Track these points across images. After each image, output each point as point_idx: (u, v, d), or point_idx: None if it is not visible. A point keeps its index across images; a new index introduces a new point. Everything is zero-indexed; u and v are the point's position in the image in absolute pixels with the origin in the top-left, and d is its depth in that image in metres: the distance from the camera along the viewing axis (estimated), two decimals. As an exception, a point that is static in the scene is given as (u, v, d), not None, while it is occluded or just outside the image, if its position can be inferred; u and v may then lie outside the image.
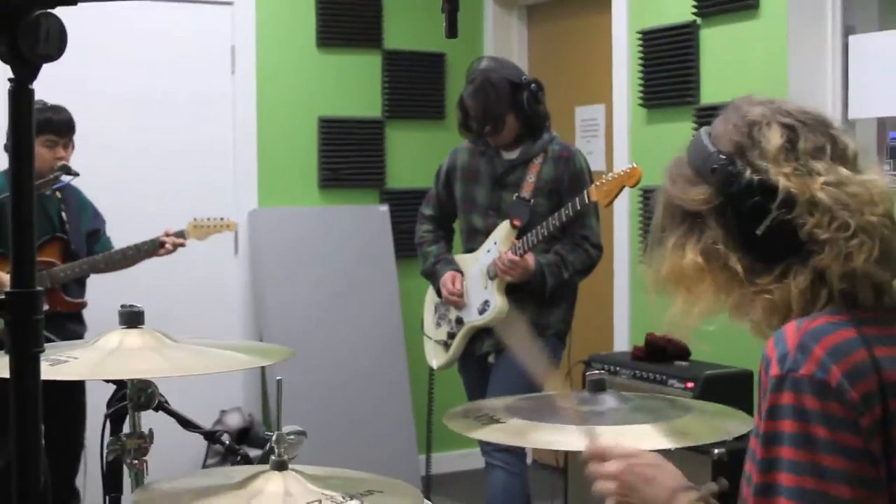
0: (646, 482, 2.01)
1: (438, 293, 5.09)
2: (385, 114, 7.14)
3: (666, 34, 5.83)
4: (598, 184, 4.63)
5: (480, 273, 4.93)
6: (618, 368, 5.16)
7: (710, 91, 5.57)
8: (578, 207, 4.64)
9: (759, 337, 1.89)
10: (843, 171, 1.80)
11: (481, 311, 4.91)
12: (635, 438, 2.79)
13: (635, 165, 4.63)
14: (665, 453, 3.24)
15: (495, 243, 4.89)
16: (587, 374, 2.99)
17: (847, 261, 1.74)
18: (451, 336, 5.05)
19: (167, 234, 5.40)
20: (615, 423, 2.85)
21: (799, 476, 1.64)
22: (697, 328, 1.94)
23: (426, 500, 2.72)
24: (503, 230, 4.87)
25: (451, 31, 1.93)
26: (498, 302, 4.86)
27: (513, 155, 4.92)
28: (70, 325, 5.27)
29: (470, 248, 5.07)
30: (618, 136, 6.23)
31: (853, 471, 1.63)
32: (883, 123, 4.99)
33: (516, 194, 4.86)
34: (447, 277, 4.99)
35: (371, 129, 7.12)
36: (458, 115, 4.98)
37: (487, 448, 4.89)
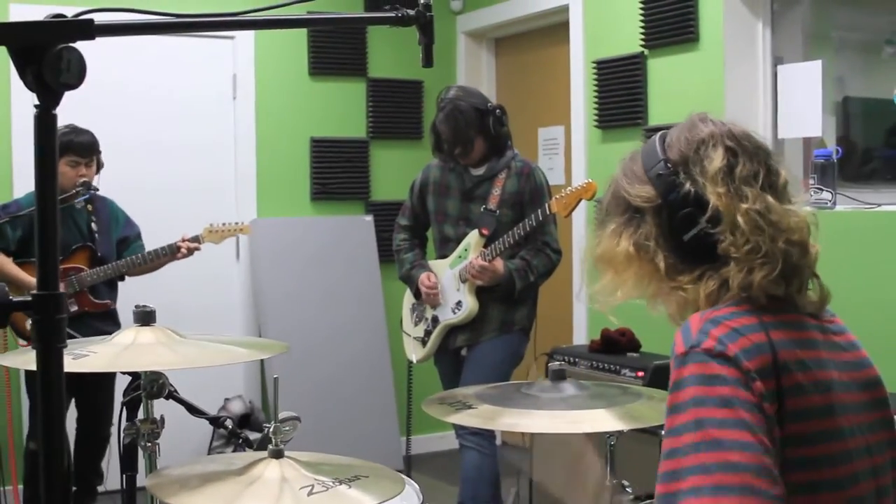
0: None
1: (416, 295, 5.10)
2: (370, 134, 7.14)
3: (617, 63, 5.84)
4: (557, 197, 4.63)
5: (453, 276, 4.95)
6: (577, 360, 5.16)
7: (657, 114, 5.58)
8: (541, 218, 4.66)
9: (672, 324, 1.90)
10: (770, 199, 1.81)
11: (455, 311, 4.93)
12: (593, 422, 2.81)
13: (591, 181, 4.64)
14: (618, 435, 3.27)
15: (466, 250, 4.91)
16: (549, 364, 3.01)
17: (748, 275, 1.77)
18: (428, 333, 5.06)
19: (183, 240, 5.40)
20: (575, 409, 2.86)
21: (704, 430, 1.62)
22: (616, 308, 1.96)
23: (407, 479, 2.72)
24: (473, 238, 4.89)
25: (428, 62, 1.93)
26: (469, 302, 4.89)
27: (480, 171, 4.95)
28: (97, 324, 5.24)
29: (443, 255, 5.07)
30: (576, 154, 6.24)
31: (752, 420, 1.62)
32: (808, 143, 5.01)
33: (484, 206, 4.89)
34: (423, 277, 5.01)
35: (357, 148, 7.12)
36: (431, 139, 5.01)
37: (461, 432, 4.90)
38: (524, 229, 4.70)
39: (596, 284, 1.99)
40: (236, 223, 5.61)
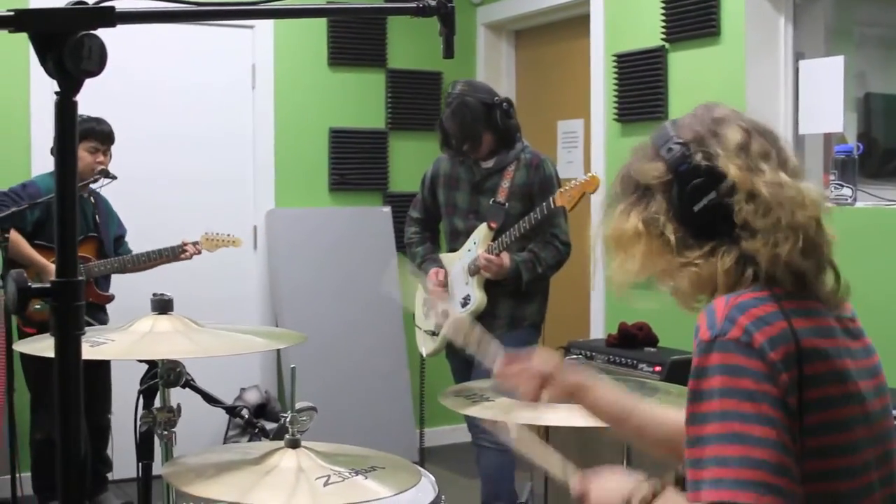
0: (582, 400, 2.19)
1: (424, 288, 5.09)
2: (388, 125, 7.13)
3: (638, 57, 5.82)
4: (562, 190, 4.61)
5: (462, 270, 4.94)
6: (593, 354, 5.15)
7: (677, 108, 5.56)
8: (545, 212, 4.64)
9: (682, 305, 1.92)
10: (784, 175, 1.83)
11: (464, 305, 4.91)
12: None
13: (594, 174, 4.62)
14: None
15: (475, 243, 4.90)
16: (566, 358, 3.00)
17: (774, 248, 1.78)
18: (439, 326, 5.02)
19: (184, 243, 5.48)
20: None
21: (727, 423, 1.64)
22: (628, 287, 1.97)
23: (423, 471, 2.72)
24: (481, 232, 4.88)
25: (448, 53, 1.93)
26: (477, 296, 4.87)
27: (489, 164, 4.92)
28: (99, 315, 5.33)
29: (453, 248, 5.06)
30: (595, 147, 6.23)
31: (774, 416, 1.64)
32: (829, 138, 4.99)
33: (492, 199, 4.88)
34: (432, 272, 5.00)
35: (376, 139, 7.11)
36: (439, 136, 4.98)
37: (476, 432, 4.88)
38: (530, 222, 4.69)
39: (611, 266, 1.99)
40: (229, 235, 5.70)
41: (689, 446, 1.69)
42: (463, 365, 4.98)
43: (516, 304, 4.92)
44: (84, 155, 5.22)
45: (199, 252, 5.58)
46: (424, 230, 5.24)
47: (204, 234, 5.60)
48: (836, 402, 1.73)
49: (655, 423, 2.19)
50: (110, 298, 5.49)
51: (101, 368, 5.46)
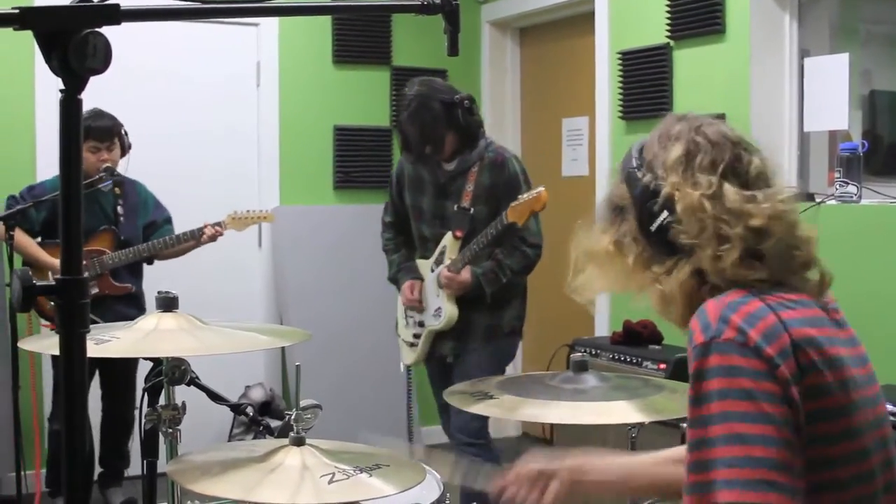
0: (585, 482, 2.20)
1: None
2: (393, 123, 7.12)
3: (642, 54, 5.82)
4: (514, 205, 4.40)
5: (433, 281, 4.78)
6: (598, 351, 5.16)
7: (682, 105, 5.55)
8: (500, 227, 4.46)
9: (660, 315, 1.97)
10: (727, 185, 1.85)
11: (436, 317, 4.77)
12: (615, 414, 2.81)
13: (542, 189, 4.38)
14: (640, 427, 3.26)
15: (442, 253, 4.74)
16: (571, 356, 3.01)
17: (717, 262, 1.82)
18: (417, 337, 4.90)
19: (206, 225, 5.41)
20: (597, 400, 2.86)
21: (729, 423, 1.66)
22: (594, 297, 2.07)
23: (428, 469, 2.72)
24: (448, 241, 4.70)
25: (453, 50, 1.93)
26: (448, 309, 4.70)
27: (451, 166, 4.71)
28: (121, 308, 5.30)
29: (423, 255, 4.90)
30: (600, 145, 6.22)
31: (774, 413, 1.66)
32: (834, 136, 4.99)
33: (456, 204, 4.68)
34: (406, 287, 4.86)
35: (380, 136, 7.12)
36: (399, 139, 4.74)
37: (457, 443, 4.77)
38: (486, 238, 4.53)
39: (581, 276, 2.06)
40: (260, 211, 5.61)
41: (693, 449, 1.70)
42: (439, 377, 4.91)
43: (492, 313, 4.74)
44: (87, 156, 5.17)
45: (222, 233, 5.45)
46: (398, 234, 5.02)
47: (231, 214, 5.51)
48: (833, 389, 1.74)
49: (655, 474, 2.27)
50: (128, 289, 5.44)
51: (129, 362, 5.44)
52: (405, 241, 5.02)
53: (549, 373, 3.15)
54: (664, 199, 1.86)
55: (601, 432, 4.43)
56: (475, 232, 4.62)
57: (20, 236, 5.08)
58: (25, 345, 3.19)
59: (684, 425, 1.74)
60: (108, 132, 5.30)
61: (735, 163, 1.88)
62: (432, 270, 4.80)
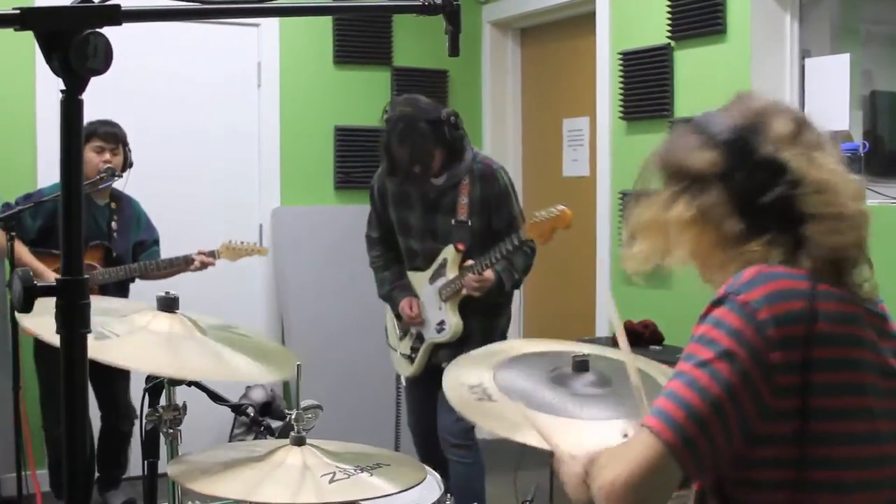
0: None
1: (397, 315, 4.95)
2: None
3: (643, 55, 5.82)
4: (532, 222, 4.38)
5: (434, 295, 4.76)
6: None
7: (683, 106, 5.56)
8: (516, 243, 4.45)
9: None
10: (839, 166, 1.85)
11: (439, 330, 4.77)
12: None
13: (565, 208, 4.35)
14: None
15: (443, 266, 4.73)
16: (572, 356, 3.00)
17: (839, 236, 1.79)
18: (415, 350, 4.91)
19: (199, 253, 5.43)
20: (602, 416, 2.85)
21: (691, 365, 1.71)
22: (647, 271, 1.99)
23: (429, 469, 2.72)
24: (450, 254, 4.69)
25: (454, 51, 1.93)
26: (453, 322, 4.71)
27: (440, 180, 4.67)
28: None
29: (413, 267, 4.89)
30: (600, 145, 6.22)
31: (732, 383, 1.68)
32: (835, 136, 4.96)
33: (454, 218, 4.67)
34: (404, 304, 4.84)
35: (381, 138, 7.10)
36: (385, 161, 4.67)
37: (445, 446, 4.81)
38: (502, 251, 4.50)
39: (635, 247, 1.99)
40: (255, 244, 5.66)
41: (670, 378, 1.76)
42: (432, 377, 4.71)
43: (488, 320, 4.78)
44: (90, 156, 5.24)
45: (213, 263, 5.49)
46: (387, 250, 5.00)
47: (224, 243, 5.53)
48: (849, 389, 1.73)
49: None
50: None
51: (122, 374, 5.47)
52: (395, 258, 4.99)
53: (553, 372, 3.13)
54: (786, 172, 1.79)
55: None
56: (474, 244, 4.66)
57: (15, 245, 5.07)
58: (25, 321, 3.06)
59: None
60: (114, 136, 5.35)
61: (830, 144, 1.88)
62: (430, 283, 4.80)
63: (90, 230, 5.37)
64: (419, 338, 4.90)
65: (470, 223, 4.67)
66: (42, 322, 2.27)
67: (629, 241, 2.00)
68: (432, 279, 4.80)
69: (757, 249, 1.82)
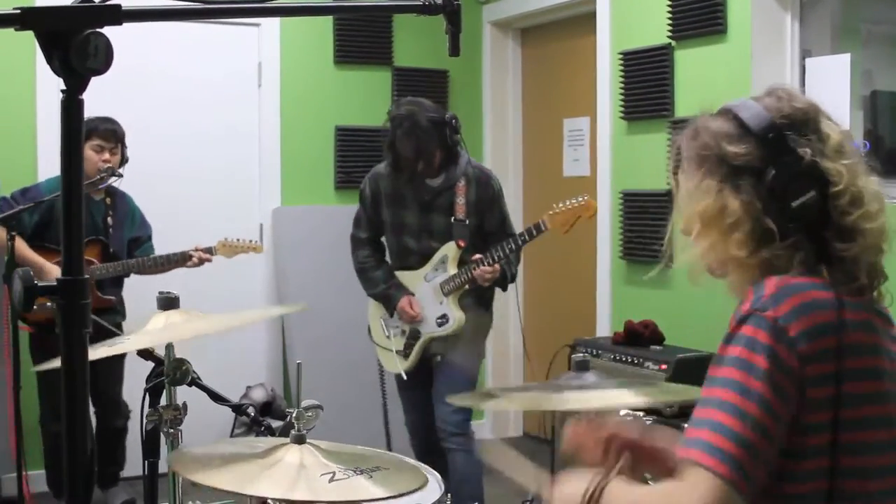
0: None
1: (390, 313, 5.10)
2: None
3: (644, 55, 5.82)
4: (553, 213, 4.69)
5: (433, 290, 4.94)
6: (600, 351, 5.16)
7: (683, 106, 5.56)
8: (535, 234, 4.72)
9: (736, 294, 1.87)
10: (871, 179, 1.82)
11: (441, 324, 4.94)
12: (624, 399, 2.80)
13: (589, 198, 4.70)
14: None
15: (443, 262, 4.92)
16: (573, 356, 3.00)
17: (876, 253, 1.78)
18: (409, 346, 5.05)
19: (196, 249, 5.44)
20: (603, 389, 2.86)
21: (731, 392, 1.66)
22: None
23: (430, 471, 2.72)
24: (451, 251, 4.89)
25: (454, 51, 1.93)
26: (457, 315, 4.90)
27: (437, 182, 4.89)
28: (105, 318, 5.32)
29: (404, 266, 5.06)
30: (601, 145, 6.22)
31: (772, 402, 1.65)
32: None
33: (453, 217, 4.88)
34: (404, 303, 4.97)
35: (382, 137, 7.08)
36: (389, 157, 4.88)
37: (443, 436, 4.96)
38: (518, 242, 4.77)
39: (697, 249, 1.90)
40: (250, 241, 5.66)
41: (699, 405, 1.71)
42: (425, 369, 5.08)
43: (478, 315, 5.00)
44: (90, 155, 5.25)
45: (210, 259, 5.53)
46: (375, 251, 5.17)
47: (220, 241, 5.56)
48: (873, 398, 1.73)
49: None
50: (111, 302, 5.50)
51: (115, 370, 5.49)
52: (383, 258, 5.17)
53: (550, 381, 3.15)
54: (828, 181, 1.76)
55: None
56: (471, 242, 4.87)
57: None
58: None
59: (686, 425, 1.73)
60: (114, 134, 5.36)
61: (863, 156, 1.85)
62: (426, 280, 4.97)
63: (87, 225, 5.38)
64: (413, 334, 5.03)
65: (468, 222, 4.87)
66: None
67: (685, 237, 1.92)
68: (429, 276, 4.96)
69: (780, 253, 1.79)
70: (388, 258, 5.18)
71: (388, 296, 5.04)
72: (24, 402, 5.06)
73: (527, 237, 4.74)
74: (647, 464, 2.09)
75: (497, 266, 4.75)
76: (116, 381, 5.58)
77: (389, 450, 5.79)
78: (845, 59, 4.72)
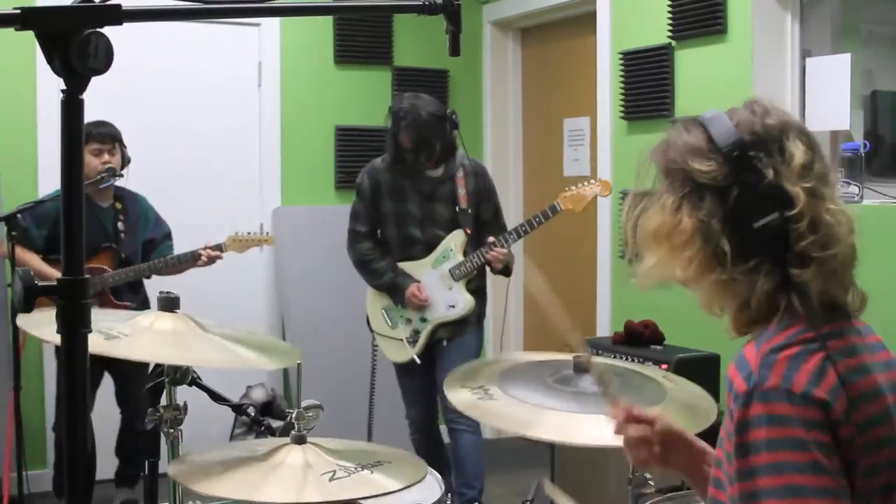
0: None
1: (396, 301, 5.22)
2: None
3: (644, 55, 5.82)
4: (568, 194, 4.92)
5: (441, 277, 5.12)
6: (600, 352, 5.15)
7: (684, 105, 5.56)
8: (550, 215, 4.95)
9: (703, 308, 1.83)
10: (838, 200, 1.76)
11: (450, 309, 5.12)
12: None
13: (605, 180, 4.95)
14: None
15: (451, 250, 5.11)
16: (573, 356, 3.00)
17: (825, 281, 1.71)
18: (417, 332, 5.19)
19: (205, 247, 5.45)
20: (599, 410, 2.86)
21: (782, 475, 1.59)
22: (656, 286, 1.87)
23: (429, 468, 2.72)
24: (458, 239, 5.10)
25: (455, 51, 1.92)
26: (468, 299, 5.11)
27: (437, 173, 5.13)
28: None
29: (407, 257, 5.20)
30: (601, 145, 6.22)
31: (822, 462, 1.59)
32: (836, 136, 4.98)
33: (457, 206, 5.09)
34: (413, 289, 5.11)
35: (382, 137, 7.05)
36: (391, 150, 5.10)
37: (451, 416, 5.12)
38: (532, 224, 4.97)
39: (646, 262, 1.86)
40: (260, 233, 5.66)
41: (744, 500, 1.63)
42: (428, 356, 5.21)
43: (480, 301, 5.19)
44: (89, 159, 5.27)
45: (221, 256, 5.52)
46: (376, 244, 5.29)
47: (230, 236, 5.56)
48: (877, 420, 1.68)
49: None
50: (128, 308, 5.49)
51: (141, 374, 5.50)
52: (384, 250, 5.28)
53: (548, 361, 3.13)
54: (792, 204, 1.70)
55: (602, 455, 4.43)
56: (477, 231, 5.11)
57: (23, 253, 5.14)
58: (21, 322, 3.12)
59: (732, 474, 1.67)
60: (110, 136, 5.37)
61: (832, 174, 1.79)
62: (433, 267, 5.14)
63: (97, 234, 5.39)
64: (421, 320, 5.18)
65: (470, 211, 5.11)
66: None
67: (637, 254, 1.88)
68: (436, 263, 5.14)
69: (739, 278, 1.75)
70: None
71: (397, 284, 5.17)
72: (25, 403, 5.07)
73: (542, 219, 4.93)
74: (683, 460, 2.05)
75: (508, 250, 4.99)
76: (141, 384, 5.59)
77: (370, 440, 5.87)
78: (845, 59, 4.72)
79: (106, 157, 5.33)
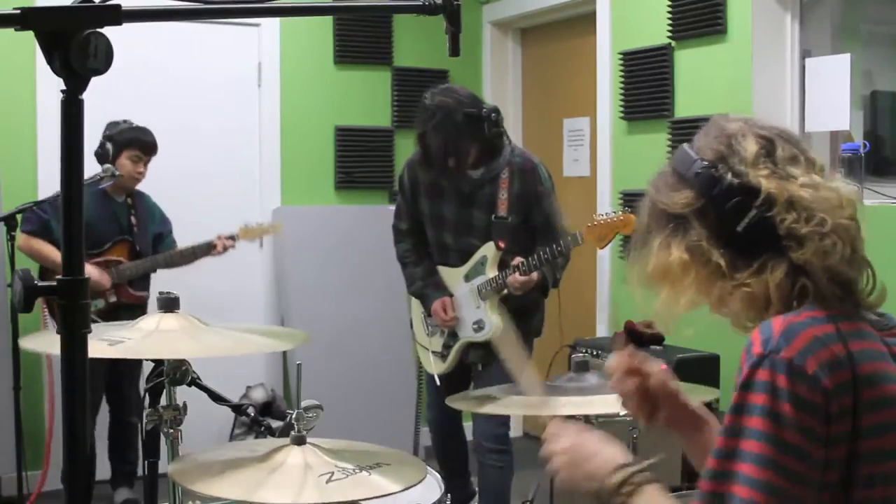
0: (590, 457, 1.94)
1: (429, 313, 4.81)
2: (394, 123, 7.13)
3: (644, 55, 5.82)
4: (590, 225, 4.31)
5: (471, 293, 4.66)
6: (599, 352, 5.15)
7: (683, 106, 5.56)
8: (570, 245, 4.37)
9: (738, 329, 1.85)
10: (816, 177, 1.79)
11: (477, 330, 4.66)
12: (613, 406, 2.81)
13: (629, 212, 4.31)
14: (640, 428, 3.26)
15: (483, 264, 4.62)
16: (573, 356, 3.01)
17: (825, 257, 1.73)
18: (448, 347, 4.79)
19: (219, 238, 5.52)
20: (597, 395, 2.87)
21: (761, 443, 1.61)
22: (678, 320, 1.91)
23: (429, 469, 2.72)
24: (489, 252, 4.60)
25: (454, 51, 1.92)
26: (494, 321, 4.60)
27: (477, 174, 4.57)
28: (128, 316, 5.33)
29: (443, 262, 4.79)
30: (601, 145, 6.22)
31: (807, 449, 1.61)
32: (835, 136, 4.99)
33: (493, 214, 4.56)
34: (437, 306, 4.71)
35: (382, 137, 7.11)
36: (419, 152, 4.57)
37: (482, 451, 4.76)
38: (552, 253, 4.39)
39: (656, 303, 1.91)
40: (269, 223, 5.89)
41: (719, 456, 1.66)
42: (462, 376, 4.80)
43: (521, 319, 4.53)
44: (126, 163, 5.36)
45: (233, 246, 5.67)
46: (417, 243, 4.86)
47: (241, 226, 5.72)
48: (891, 427, 1.69)
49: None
50: (143, 299, 5.55)
51: (134, 368, 5.52)
52: (425, 251, 4.86)
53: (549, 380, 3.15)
54: (759, 194, 1.75)
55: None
56: (516, 241, 4.56)
57: (43, 246, 5.24)
58: (27, 343, 3.18)
59: (721, 427, 1.70)
60: (153, 148, 5.50)
61: (807, 156, 1.82)
62: (466, 281, 4.69)
63: (113, 226, 5.50)
64: (452, 335, 4.77)
65: (509, 220, 4.55)
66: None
67: (649, 303, 1.94)
68: (468, 277, 4.69)
69: (750, 279, 1.78)
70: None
71: (424, 295, 4.79)
72: (25, 402, 5.07)
73: (563, 249, 4.39)
74: (675, 419, 2.11)
75: (534, 275, 4.44)
76: (132, 379, 5.62)
77: (415, 454, 5.69)
78: (845, 59, 4.72)
79: (141, 167, 5.43)
